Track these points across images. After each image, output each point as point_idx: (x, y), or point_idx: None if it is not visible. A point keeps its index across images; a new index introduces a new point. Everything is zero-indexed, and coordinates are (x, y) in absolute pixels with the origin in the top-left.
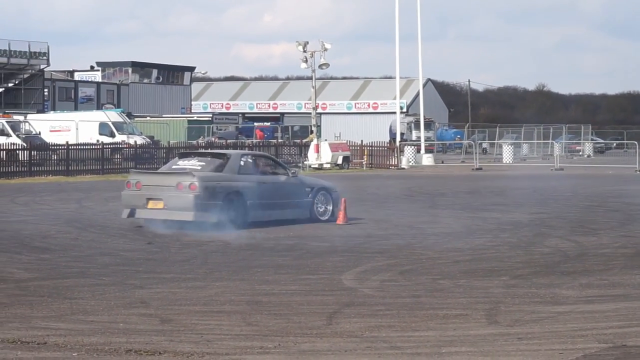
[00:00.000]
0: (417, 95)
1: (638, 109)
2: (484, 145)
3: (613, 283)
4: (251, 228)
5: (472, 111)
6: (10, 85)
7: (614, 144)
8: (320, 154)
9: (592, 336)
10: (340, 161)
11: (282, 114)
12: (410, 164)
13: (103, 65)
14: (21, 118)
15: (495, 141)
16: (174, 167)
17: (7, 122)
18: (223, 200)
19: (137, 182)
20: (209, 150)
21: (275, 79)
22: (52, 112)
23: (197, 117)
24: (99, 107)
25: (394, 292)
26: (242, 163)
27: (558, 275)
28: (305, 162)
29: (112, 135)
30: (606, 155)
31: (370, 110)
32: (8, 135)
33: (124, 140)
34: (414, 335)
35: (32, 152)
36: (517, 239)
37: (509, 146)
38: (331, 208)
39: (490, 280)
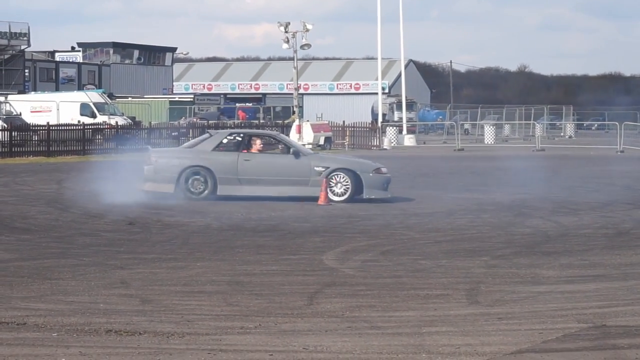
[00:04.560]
0: (399, 76)
1: (619, 90)
2: (466, 126)
3: (593, 263)
4: (233, 207)
5: (454, 92)
6: None
7: (595, 125)
8: (302, 135)
9: (572, 316)
10: (322, 142)
11: (264, 94)
12: (392, 144)
13: (84, 46)
14: (2, 99)
15: (477, 122)
16: None
17: None
18: None
19: None
20: None
21: (257, 59)
22: (33, 92)
23: (179, 98)
24: (80, 87)
25: (375, 272)
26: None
27: (539, 255)
28: None
29: (94, 116)
30: (588, 136)
31: (353, 91)
32: None
33: (105, 121)
34: (395, 315)
35: (13, 133)
36: (498, 220)
37: (491, 127)
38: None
39: (472, 261)
